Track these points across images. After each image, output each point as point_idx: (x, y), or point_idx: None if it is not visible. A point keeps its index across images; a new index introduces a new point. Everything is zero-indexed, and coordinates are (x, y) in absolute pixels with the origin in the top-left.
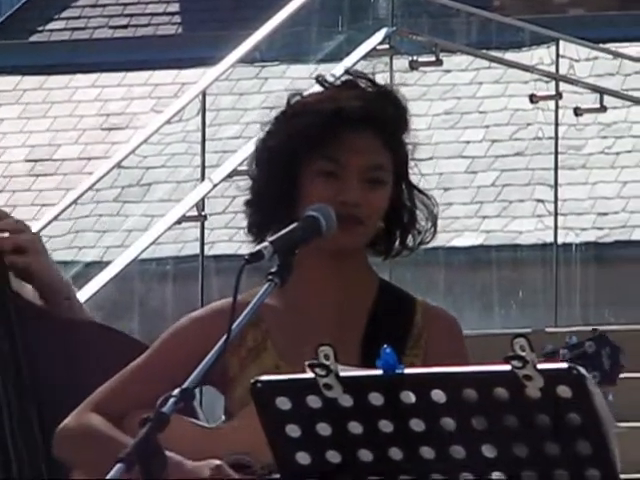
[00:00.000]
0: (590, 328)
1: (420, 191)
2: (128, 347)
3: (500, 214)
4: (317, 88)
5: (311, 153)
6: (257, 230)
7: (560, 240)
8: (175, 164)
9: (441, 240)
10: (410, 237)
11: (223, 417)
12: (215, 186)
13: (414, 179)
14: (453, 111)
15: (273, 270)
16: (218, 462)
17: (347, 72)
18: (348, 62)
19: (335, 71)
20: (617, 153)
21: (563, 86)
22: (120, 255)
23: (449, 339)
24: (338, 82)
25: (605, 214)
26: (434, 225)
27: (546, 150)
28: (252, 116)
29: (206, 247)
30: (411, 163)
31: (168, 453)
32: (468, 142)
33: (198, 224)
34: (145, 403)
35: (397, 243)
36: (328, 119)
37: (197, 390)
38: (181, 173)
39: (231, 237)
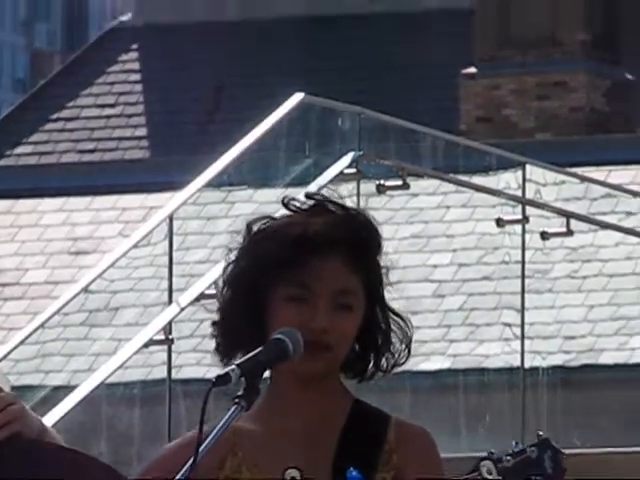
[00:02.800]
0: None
1: (395, 313)
2: (97, 471)
3: (467, 338)
4: (284, 212)
5: (279, 278)
6: (224, 351)
7: (527, 364)
8: (142, 288)
9: (408, 364)
10: (384, 359)
11: None
12: (182, 310)
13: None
14: (420, 235)
15: (239, 393)
16: None
17: (309, 196)
18: (315, 186)
19: (302, 195)
20: (584, 277)
21: (530, 210)
22: (87, 379)
23: (422, 456)
24: (305, 206)
25: (572, 337)
26: (408, 347)
27: (513, 274)
28: (219, 240)
29: (174, 371)
30: (385, 285)
31: None
32: (435, 266)
33: (165, 348)
34: None
35: (371, 366)
36: (296, 245)
37: None
38: (148, 297)
39: (199, 361)
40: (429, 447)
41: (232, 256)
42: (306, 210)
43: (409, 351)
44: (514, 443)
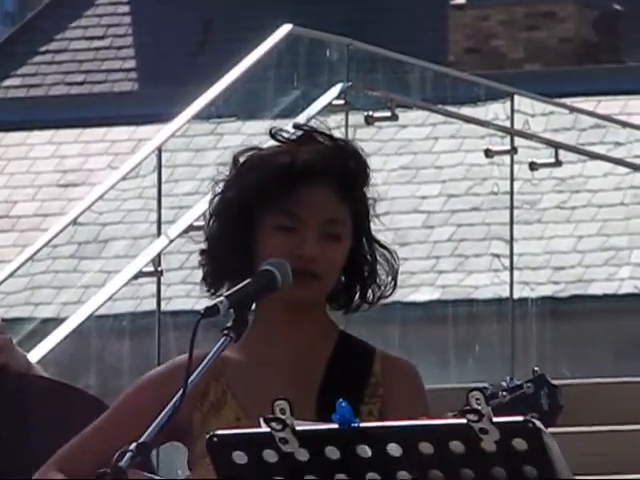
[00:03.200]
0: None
1: (381, 245)
2: (84, 403)
3: (456, 269)
4: (272, 143)
5: (267, 207)
6: (211, 281)
7: (516, 295)
8: (131, 220)
9: (397, 295)
10: (370, 291)
11: (188, 472)
12: (171, 242)
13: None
14: (409, 166)
15: (228, 325)
16: None
17: (297, 126)
18: (303, 117)
19: (290, 126)
20: (573, 208)
21: (518, 141)
22: (76, 311)
23: (408, 388)
24: (294, 136)
25: (561, 268)
26: (394, 279)
27: (502, 205)
28: (208, 172)
29: (163, 303)
30: (372, 217)
31: None
32: (424, 197)
33: (155, 280)
34: (109, 461)
35: (357, 297)
36: (285, 173)
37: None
38: (137, 229)
39: (188, 293)
40: (414, 379)
41: (219, 188)
42: (294, 140)
43: (395, 283)
44: (508, 378)
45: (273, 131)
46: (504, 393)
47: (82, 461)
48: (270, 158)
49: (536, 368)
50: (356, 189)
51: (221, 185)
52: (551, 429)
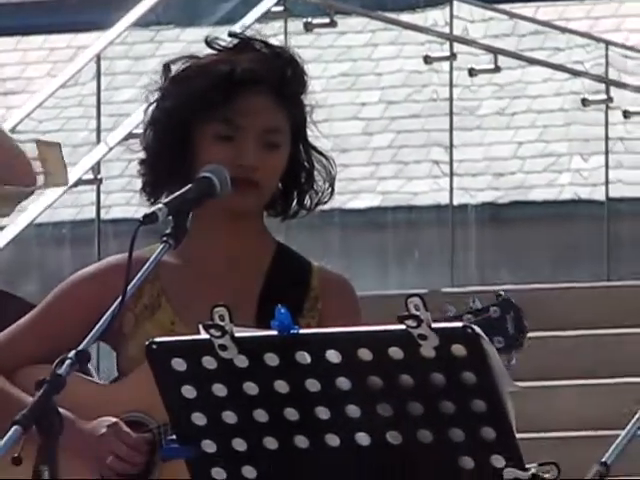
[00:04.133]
0: (486, 288)
1: (318, 152)
2: (22, 311)
3: (396, 175)
4: (208, 52)
5: (206, 115)
6: (151, 190)
7: (456, 201)
8: (71, 128)
9: (337, 202)
10: (307, 198)
11: (115, 374)
12: (111, 149)
13: (311, 140)
14: (348, 73)
15: (167, 231)
16: (114, 419)
17: (233, 35)
18: (243, 24)
19: (226, 34)
20: (513, 114)
21: (457, 47)
22: (16, 219)
23: (345, 304)
24: (230, 45)
25: (501, 175)
26: (332, 186)
27: (441, 112)
28: (147, 80)
29: (103, 211)
30: (309, 124)
31: (64, 412)
32: (364, 104)
33: (94, 188)
34: (36, 358)
35: (294, 204)
36: (222, 81)
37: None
38: (77, 137)
39: (128, 201)
40: (351, 295)
41: (153, 97)
42: (231, 49)
43: (332, 189)
44: (472, 300)
45: (209, 39)
46: (469, 316)
47: (9, 358)
48: (208, 66)
49: (501, 292)
50: (294, 96)
51: (156, 94)
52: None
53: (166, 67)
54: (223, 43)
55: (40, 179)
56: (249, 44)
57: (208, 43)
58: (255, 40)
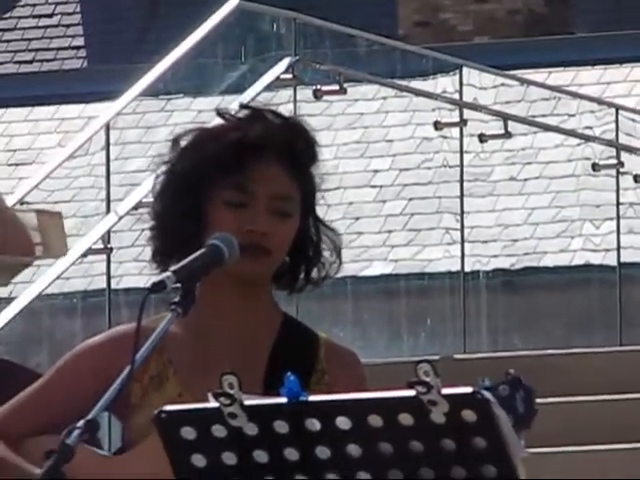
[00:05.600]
0: (499, 354)
1: (325, 224)
2: (30, 381)
3: (409, 243)
4: (218, 121)
5: (217, 182)
6: (160, 259)
7: (468, 268)
8: (82, 198)
9: (351, 270)
10: (315, 271)
11: (119, 444)
12: (121, 218)
13: (321, 209)
14: (360, 140)
15: (176, 300)
16: None
17: (244, 106)
18: (252, 92)
19: (235, 104)
20: (525, 179)
21: (468, 114)
22: (26, 290)
23: (352, 378)
24: (242, 114)
25: (514, 241)
26: (339, 258)
27: (452, 178)
28: (158, 149)
29: (115, 280)
30: (318, 195)
31: None
32: (376, 171)
33: (105, 257)
34: (43, 428)
35: (302, 277)
36: (234, 147)
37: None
38: (88, 207)
39: (140, 270)
40: (358, 369)
41: (171, 160)
42: (242, 118)
43: (340, 262)
44: (481, 379)
45: (220, 110)
46: None
47: (15, 426)
48: (220, 133)
49: (511, 370)
50: (305, 167)
51: (164, 166)
52: None
53: (175, 140)
54: (233, 112)
55: (39, 249)
56: (260, 114)
57: (219, 113)
58: (266, 110)
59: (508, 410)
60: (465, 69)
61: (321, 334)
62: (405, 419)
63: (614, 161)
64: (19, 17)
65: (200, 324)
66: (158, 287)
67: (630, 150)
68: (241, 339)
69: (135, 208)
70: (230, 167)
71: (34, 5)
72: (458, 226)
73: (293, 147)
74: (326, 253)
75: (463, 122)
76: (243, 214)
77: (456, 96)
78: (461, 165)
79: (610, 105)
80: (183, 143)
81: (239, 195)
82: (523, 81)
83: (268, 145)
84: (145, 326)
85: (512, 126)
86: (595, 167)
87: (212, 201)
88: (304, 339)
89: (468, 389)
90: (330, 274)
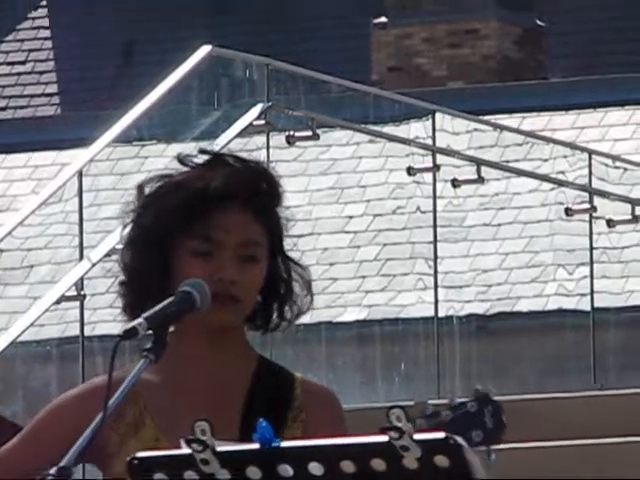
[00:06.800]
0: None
1: (294, 262)
2: (1, 429)
3: (383, 288)
4: (180, 168)
5: (182, 232)
6: (131, 310)
7: (442, 313)
8: (56, 245)
9: (325, 316)
10: (288, 309)
11: None
12: (94, 265)
13: (295, 256)
14: (334, 186)
15: (147, 346)
16: None
17: (203, 151)
18: (225, 138)
19: (210, 147)
20: (498, 225)
21: (441, 159)
22: (0, 336)
23: (330, 416)
24: (202, 161)
25: (488, 286)
26: (309, 291)
27: (425, 223)
28: (133, 195)
29: (89, 327)
30: (289, 239)
31: None
32: (350, 217)
33: (78, 304)
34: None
35: (275, 316)
36: (197, 197)
37: (76, 467)
38: (61, 254)
39: (114, 317)
40: (335, 407)
41: (128, 218)
42: (204, 165)
43: (312, 297)
44: (451, 398)
45: (181, 157)
46: (447, 412)
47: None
48: (182, 184)
49: (479, 387)
50: (269, 209)
51: (131, 215)
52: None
53: (140, 188)
54: (195, 160)
55: None
56: (221, 159)
57: (180, 160)
58: (227, 155)
59: (477, 425)
60: (438, 114)
61: (297, 374)
62: (378, 464)
63: (587, 206)
64: None
65: (174, 370)
66: (130, 334)
67: (603, 195)
68: (216, 384)
69: (108, 255)
70: (195, 217)
71: (7, 52)
72: (432, 272)
73: (256, 190)
74: (297, 289)
75: (436, 167)
76: (211, 262)
77: (429, 141)
78: (434, 210)
79: (583, 150)
80: (147, 191)
81: (205, 244)
82: (497, 126)
83: (232, 194)
84: (119, 377)
85: (485, 171)
86: (568, 212)
87: (179, 251)
88: (280, 379)
89: (441, 434)
90: (303, 309)
